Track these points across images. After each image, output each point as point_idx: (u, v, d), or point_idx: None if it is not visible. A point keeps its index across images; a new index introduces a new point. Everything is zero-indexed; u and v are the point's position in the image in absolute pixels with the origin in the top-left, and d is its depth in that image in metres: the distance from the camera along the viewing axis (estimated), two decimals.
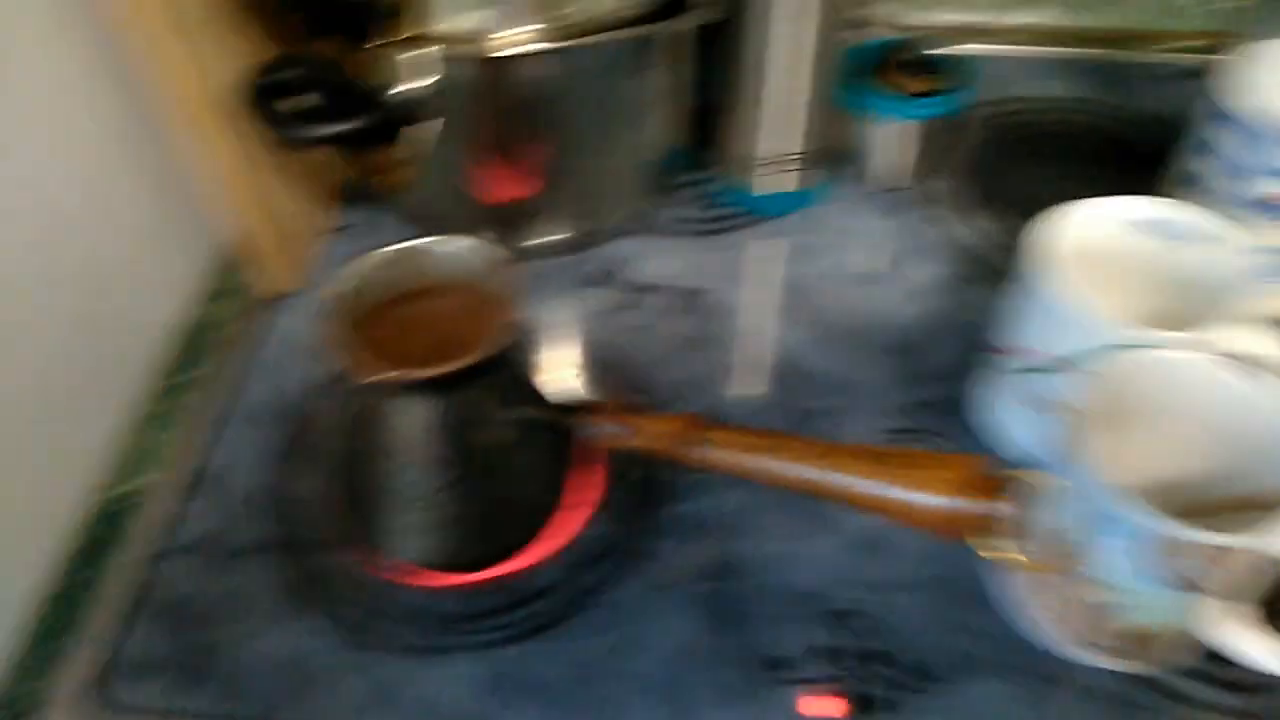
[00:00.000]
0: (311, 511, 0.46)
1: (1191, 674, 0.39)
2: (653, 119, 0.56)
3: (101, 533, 0.46)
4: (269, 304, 0.55)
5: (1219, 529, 0.32)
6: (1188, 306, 0.41)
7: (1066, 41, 0.69)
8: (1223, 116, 0.47)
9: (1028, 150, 0.63)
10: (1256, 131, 0.46)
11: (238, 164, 0.50)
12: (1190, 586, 0.34)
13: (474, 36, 0.48)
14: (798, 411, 0.49)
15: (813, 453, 0.36)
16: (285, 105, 0.49)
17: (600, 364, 0.52)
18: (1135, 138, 0.61)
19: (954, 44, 0.68)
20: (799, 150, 0.56)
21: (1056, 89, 0.67)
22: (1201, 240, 0.42)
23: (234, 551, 0.44)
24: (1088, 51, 0.69)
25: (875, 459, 0.38)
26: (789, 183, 0.58)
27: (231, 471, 0.48)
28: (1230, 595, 0.35)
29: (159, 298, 0.53)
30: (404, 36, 0.48)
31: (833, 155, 0.59)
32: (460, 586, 0.43)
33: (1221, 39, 0.61)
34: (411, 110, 0.49)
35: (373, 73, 0.48)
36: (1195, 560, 0.33)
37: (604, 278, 0.57)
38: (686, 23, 0.51)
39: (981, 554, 0.40)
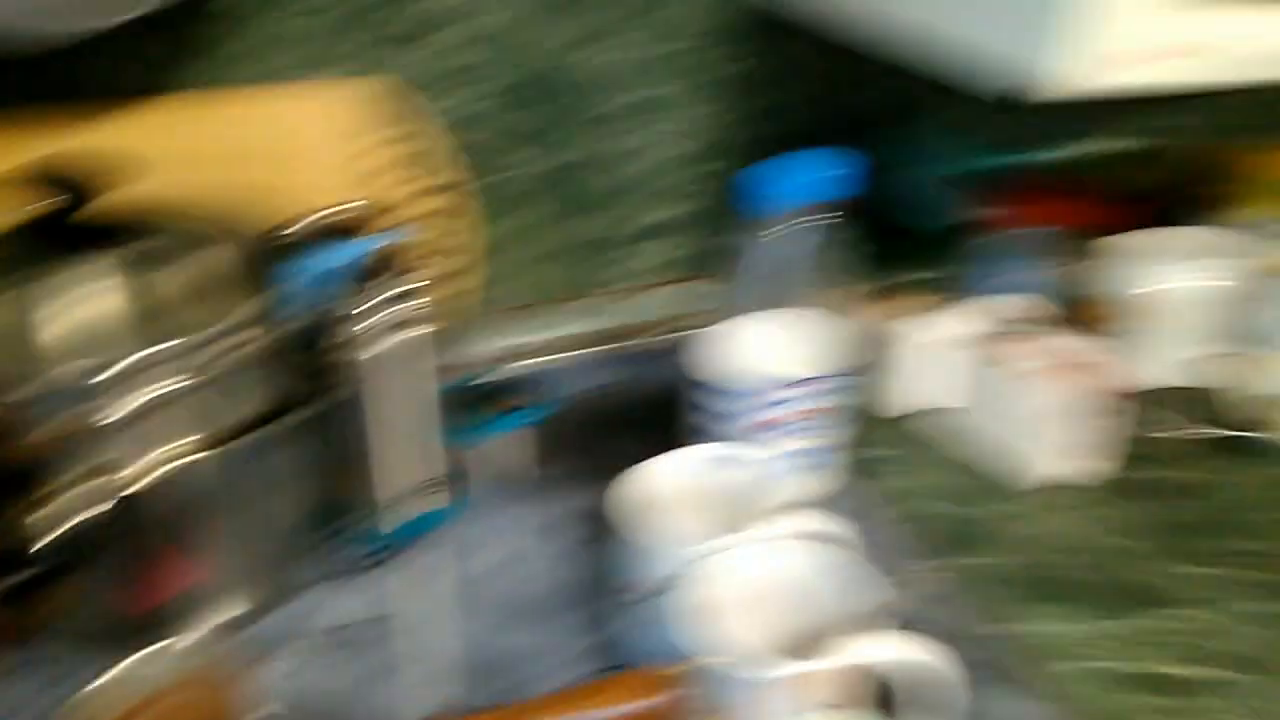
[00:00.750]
0: None
1: None
2: (299, 484, 0.64)
3: None
4: None
5: (814, 661, 0.47)
6: (738, 511, 0.58)
7: (599, 341, 0.91)
8: (700, 381, 0.68)
9: (596, 428, 0.81)
10: (723, 389, 0.66)
11: None
12: (821, 708, 0.48)
13: (111, 468, 0.53)
14: (500, 689, 0.58)
15: (527, 714, 0.46)
16: None
17: (316, 714, 0.57)
18: (661, 402, 0.81)
19: (519, 361, 0.86)
20: (430, 479, 0.68)
21: (602, 376, 0.88)
22: (731, 464, 0.61)
23: None
24: (614, 344, 0.91)
25: (572, 699, 0.48)
26: (430, 505, 0.69)
27: None
28: (850, 704, 0.49)
29: None
30: (51, 486, 0.52)
31: (457, 474, 0.71)
32: None
33: (690, 323, 0.85)
34: (65, 552, 0.52)
35: (22, 525, 0.51)
36: (810, 687, 0.47)
37: (288, 636, 0.62)
38: (305, 412, 0.61)
39: None
